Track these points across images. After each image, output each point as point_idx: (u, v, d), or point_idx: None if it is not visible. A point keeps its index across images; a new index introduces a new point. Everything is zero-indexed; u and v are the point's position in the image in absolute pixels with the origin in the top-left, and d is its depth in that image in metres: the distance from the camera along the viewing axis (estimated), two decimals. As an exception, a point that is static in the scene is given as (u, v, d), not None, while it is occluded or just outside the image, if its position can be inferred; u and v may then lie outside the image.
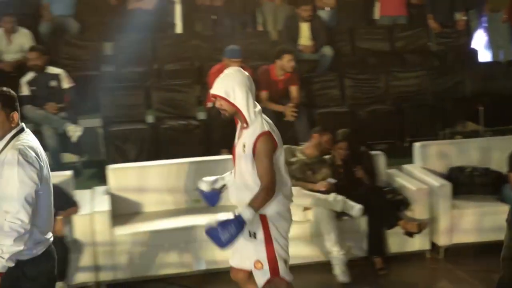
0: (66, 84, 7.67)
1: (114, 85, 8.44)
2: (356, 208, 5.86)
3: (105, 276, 5.71)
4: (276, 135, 4.14)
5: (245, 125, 4.12)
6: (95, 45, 9.26)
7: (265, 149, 4.03)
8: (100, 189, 6.28)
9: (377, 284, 5.85)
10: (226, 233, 3.90)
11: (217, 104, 4.18)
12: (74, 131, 7.33)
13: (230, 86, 4.06)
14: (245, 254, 4.28)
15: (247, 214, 3.94)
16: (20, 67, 8.10)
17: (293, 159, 6.20)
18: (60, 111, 7.45)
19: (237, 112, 4.09)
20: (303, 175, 6.17)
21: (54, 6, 9.26)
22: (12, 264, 3.66)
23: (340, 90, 8.49)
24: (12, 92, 3.84)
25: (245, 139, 4.12)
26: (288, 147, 6.13)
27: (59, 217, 5.17)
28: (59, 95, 7.55)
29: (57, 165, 6.90)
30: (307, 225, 5.96)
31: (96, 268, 5.66)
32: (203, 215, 5.92)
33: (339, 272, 5.66)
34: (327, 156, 6.33)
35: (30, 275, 3.80)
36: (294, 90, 7.70)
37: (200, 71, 8.69)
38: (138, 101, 8.11)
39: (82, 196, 5.97)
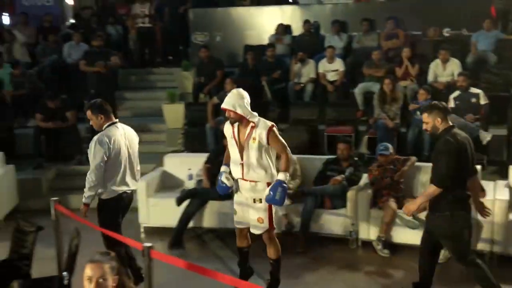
0: (483, 101, 7.61)
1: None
2: None
3: (498, 248, 5.57)
4: None
5: (252, 124, 4.45)
6: (507, 73, 8.89)
7: (276, 135, 4.45)
8: (501, 182, 6.14)
9: None
10: (278, 194, 4.33)
11: (226, 115, 4.52)
12: (485, 137, 7.36)
13: (236, 101, 4.39)
14: (248, 216, 4.68)
15: (282, 176, 4.38)
16: (450, 87, 8.25)
17: None
18: (476, 121, 7.51)
19: (241, 118, 4.45)
20: None
21: (479, 44, 9.25)
22: (89, 201, 4.74)
23: None
24: (98, 101, 4.85)
25: (255, 135, 4.43)
26: None
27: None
28: (476, 109, 7.56)
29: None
30: None
31: (492, 241, 5.56)
32: None
33: None
34: None
35: (105, 208, 4.79)
36: None
37: None
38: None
39: (486, 185, 5.97)
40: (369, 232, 5.99)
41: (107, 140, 4.61)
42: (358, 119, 8.63)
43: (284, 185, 4.40)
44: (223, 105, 4.49)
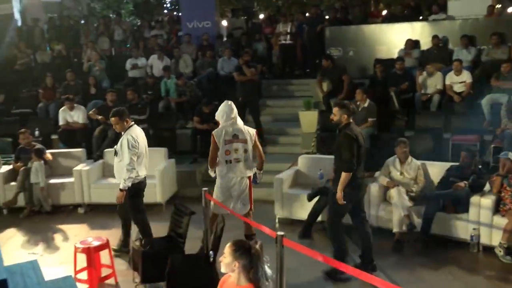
0: None
1: None
2: None
3: None
4: (218, 136, 5.18)
5: None
6: None
7: (211, 141, 5.19)
8: None
9: None
10: None
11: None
12: None
13: (218, 111, 5.32)
14: None
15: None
16: None
17: None
18: None
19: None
20: None
21: None
22: (129, 184, 5.18)
23: None
24: (122, 109, 5.45)
25: None
26: None
27: None
28: None
29: None
30: None
31: None
32: None
33: None
34: None
35: (136, 192, 5.29)
36: None
37: None
38: None
39: None
40: (491, 238, 5.54)
41: (135, 137, 5.22)
42: (484, 129, 7.97)
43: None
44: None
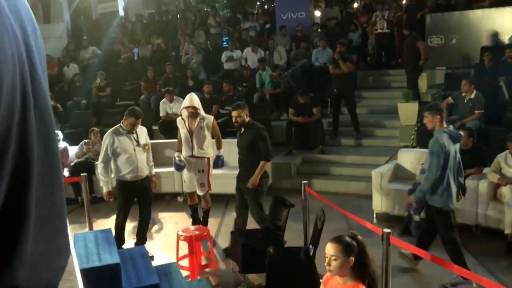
0: None
1: None
2: None
3: None
4: None
5: (203, 117, 5.70)
6: None
7: (217, 125, 5.81)
8: None
9: None
10: (220, 163, 5.97)
11: (189, 110, 5.64)
12: None
13: (196, 101, 5.64)
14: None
15: (221, 152, 5.95)
16: None
17: None
18: None
19: (198, 112, 5.64)
20: None
21: None
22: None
23: None
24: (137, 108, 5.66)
25: (203, 123, 5.68)
26: None
27: None
28: None
29: None
30: None
31: None
32: None
33: None
34: None
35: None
36: None
37: None
38: None
39: None
40: None
41: None
42: None
43: (221, 157, 5.89)
44: (187, 104, 5.66)
